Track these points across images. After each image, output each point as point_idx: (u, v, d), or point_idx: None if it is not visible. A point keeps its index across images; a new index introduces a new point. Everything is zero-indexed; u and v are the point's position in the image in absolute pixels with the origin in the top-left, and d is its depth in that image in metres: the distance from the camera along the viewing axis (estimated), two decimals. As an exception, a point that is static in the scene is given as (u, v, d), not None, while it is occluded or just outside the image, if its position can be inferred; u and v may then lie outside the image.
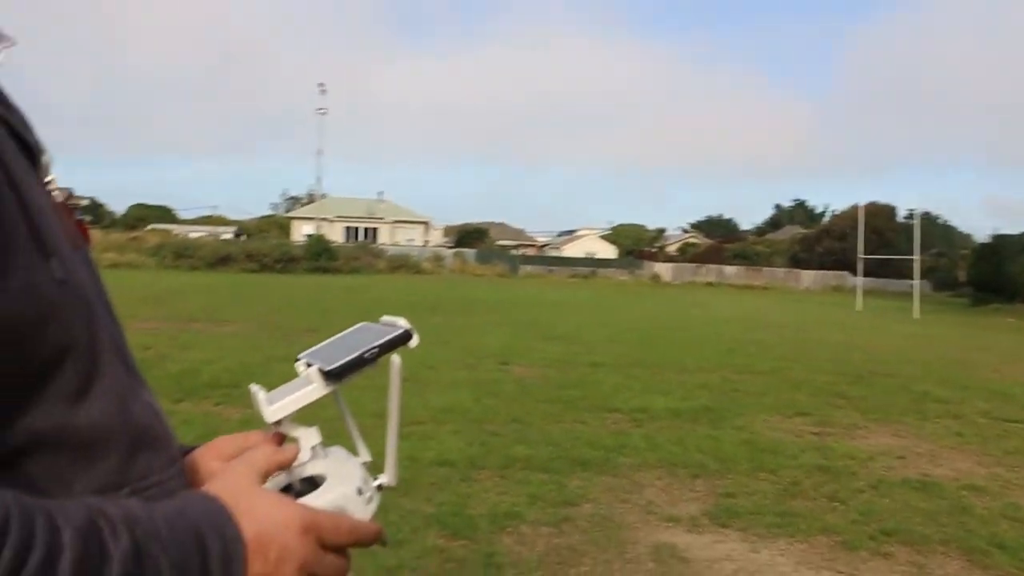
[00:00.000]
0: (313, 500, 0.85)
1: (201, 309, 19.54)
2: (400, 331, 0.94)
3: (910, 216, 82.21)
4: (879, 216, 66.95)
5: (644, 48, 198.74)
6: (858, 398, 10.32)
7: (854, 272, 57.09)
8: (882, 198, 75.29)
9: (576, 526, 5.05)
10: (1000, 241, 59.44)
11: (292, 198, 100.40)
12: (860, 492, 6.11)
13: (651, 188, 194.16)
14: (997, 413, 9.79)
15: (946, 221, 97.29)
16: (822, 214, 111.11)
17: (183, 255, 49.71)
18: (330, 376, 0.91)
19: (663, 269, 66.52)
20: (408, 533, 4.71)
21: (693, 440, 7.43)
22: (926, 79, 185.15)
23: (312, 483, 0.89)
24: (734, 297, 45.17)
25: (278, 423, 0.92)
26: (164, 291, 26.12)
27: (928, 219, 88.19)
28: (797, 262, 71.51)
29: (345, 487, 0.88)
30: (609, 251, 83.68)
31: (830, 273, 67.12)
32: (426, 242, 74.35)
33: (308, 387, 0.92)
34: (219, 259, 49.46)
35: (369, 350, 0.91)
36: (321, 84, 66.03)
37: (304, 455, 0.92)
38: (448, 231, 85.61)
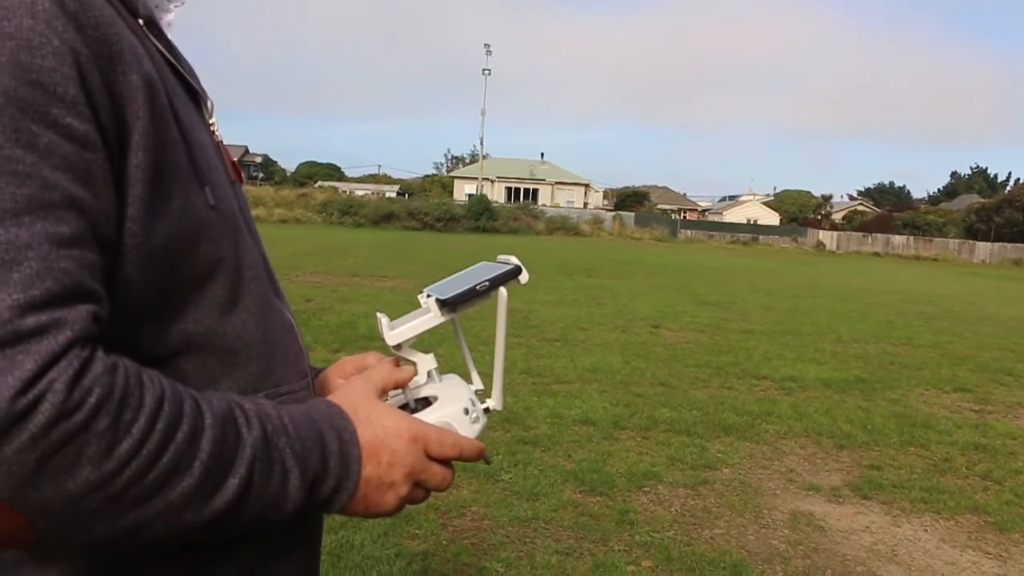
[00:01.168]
0: (424, 416, 0.97)
1: (362, 264, 20.28)
2: (510, 267, 1.04)
3: (1104, 186, 76.44)
4: (1069, 185, 62.40)
5: (817, 7, 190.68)
6: (1027, 376, 9.84)
7: (1037, 245, 53.68)
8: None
9: (713, 489, 5.10)
10: None
11: (455, 158, 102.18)
12: (1018, 473, 5.88)
13: (819, 153, 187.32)
14: None
15: None
16: (1004, 183, 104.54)
17: (348, 212, 51.33)
18: (445, 305, 1.01)
19: (827, 237, 64.27)
20: (546, 487, 4.87)
21: (842, 411, 7.29)
22: None
23: (426, 402, 1.01)
24: (901, 268, 43.29)
25: (398, 347, 1.03)
26: (329, 246, 27.21)
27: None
28: (973, 233, 67.67)
29: (453, 407, 0.99)
30: (772, 218, 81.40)
31: (1009, 246, 63.18)
32: (586, 204, 74.29)
33: (426, 315, 1.03)
34: (382, 216, 50.85)
35: (481, 283, 1.02)
36: (487, 44, 66.27)
37: (420, 378, 1.03)
38: (608, 194, 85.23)
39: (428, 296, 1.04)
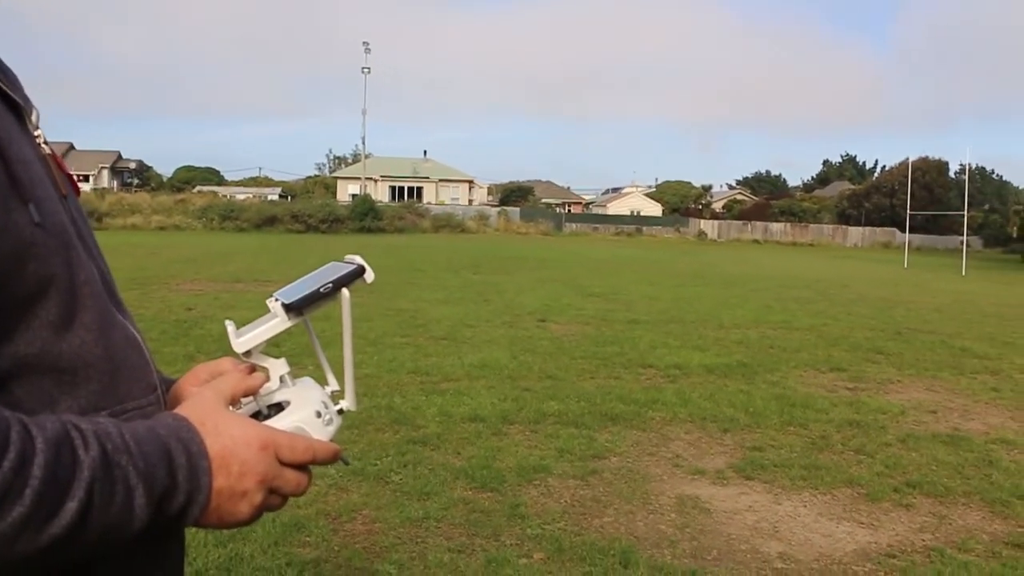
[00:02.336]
0: (275, 423, 0.96)
1: (246, 270, 19.89)
2: (354, 267, 1.04)
3: (962, 171, 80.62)
4: (930, 171, 65.66)
5: (695, 1, 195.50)
6: (895, 354, 10.29)
7: (902, 229, 56.29)
8: (934, 153, 73.68)
9: (602, 478, 5.17)
10: (1055, 196, 58.00)
11: (338, 158, 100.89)
12: (888, 446, 6.16)
13: (699, 145, 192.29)
14: (1037, 369, 9.74)
15: (1000, 176, 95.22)
16: (872, 170, 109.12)
17: (229, 217, 50.31)
18: (291, 309, 1.00)
19: (708, 226, 66.02)
20: (436, 485, 4.86)
21: (725, 395, 7.50)
22: (982, 32, 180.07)
23: (279, 408, 1.00)
24: (779, 254, 44.78)
25: (247, 354, 1.01)
26: (210, 252, 26.58)
27: (982, 174, 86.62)
28: (845, 219, 70.47)
29: (305, 411, 0.98)
30: (655, 209, 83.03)
31: (878, 230, 66.10)
32: (470, 201, 74.41)
33: (274, 320, 1.02)
34: (265, 220, 50.00)
35: (324, 285, 1.01)
36: (366, 43, 65.65)
37: (272, 384, 1.02)
38: (493, 190, 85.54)
39: (275, 300, 1.03)
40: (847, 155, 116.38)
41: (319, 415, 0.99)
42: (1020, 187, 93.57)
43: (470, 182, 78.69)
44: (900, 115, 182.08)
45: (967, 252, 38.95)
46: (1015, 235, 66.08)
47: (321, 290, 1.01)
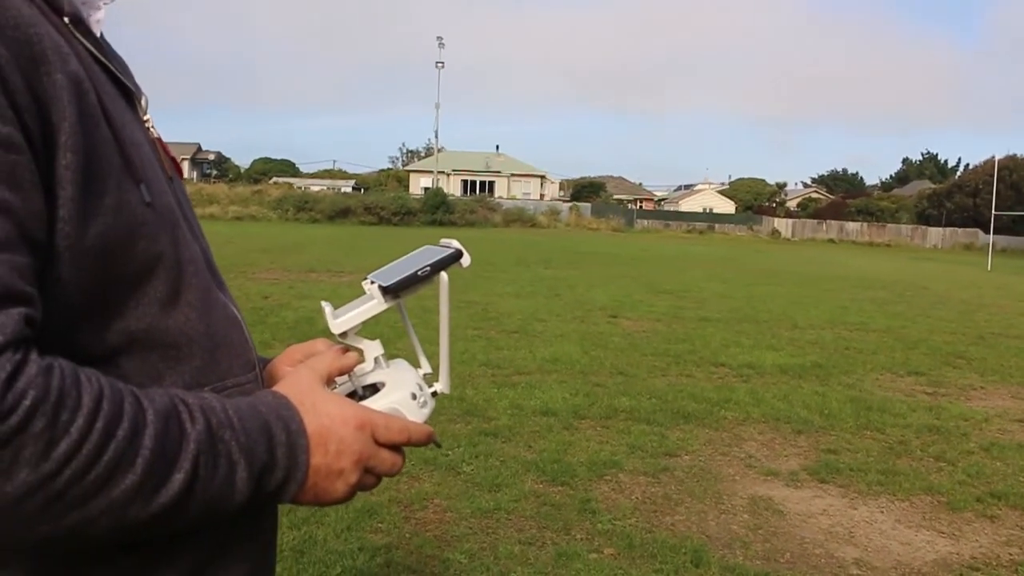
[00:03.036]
0: (371, 403, 0.96)
1: (319, 260, 20.17)
2: (451, 251, 1.03)
3: (1050, 171, 78.06)
4: (1017, 170, 63.61)
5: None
6: (978, 359, 10.01)
7: (986, 229, 54.69)
8: (1022, 151, 71.42)
9: (674, 476, 5.13)
10: None
11: (410, 152, 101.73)
12: (970, 453, 5.98)
13: (773, 141, 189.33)
14: None
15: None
16: (955, 168, 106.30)
17: (304, 208, 51.08)
18: (388, 292, 1.00)
19: (782, 225, 64.98)
20: (507, 478, 4.87)
21: (799, 396, 7.38)
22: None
23: (374, 389, 1.00)
24: (855, 254, 43.88)
25: (343, 335, 1.02)
26: (285, 243, 27.01)
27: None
28: (925, 219, 68.71)
29: (400, 392, 0.99)
30: (727, 206, 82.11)
31: (960, 230, 64.31)
32: (542, 196, 74.39)
33: (370, 302, 1.02)
34: (338, 212, 50.66)
35: (422, 268, 1.01)
36: (439, 37, 65.94)
37: (367, 365, 1.03)
38: (565, 185, 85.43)
39: (372, 283, 1.03)
40: (928, 153, 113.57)
41: (414, 397, 0.99)
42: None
43: (542, 177, 78.63)
44: (984, 112, 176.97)
45: (1053, 255, 37.71)
46: (1105, 238, 63.83)
47: (419, 273, 1.01)
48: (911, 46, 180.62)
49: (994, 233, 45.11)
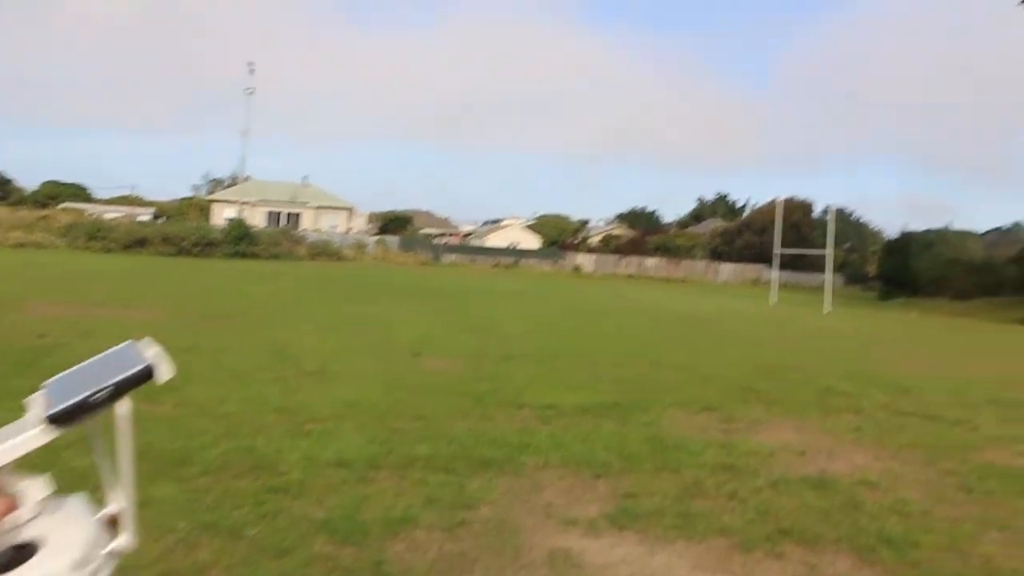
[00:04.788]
0: None
1: (109, 293, 18.97)
2: (140, 368, 0.80)
3: (826, 211, 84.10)
4: (797, 211, 68.22)
5: (578, 38, 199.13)
6: (764, 393, 10.44)
7: (771, 265, 58.16)
8: (801, 194, 76.80)
9: (471, 530, 4.95)
10: (907, 237, 61.26)
11: (215, 180, 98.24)
12: (759, 491, 6.13)
13: (577, 179, 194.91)
14: (895, 407, 10.01)
15: (859, 217, 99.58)
16: (743, 208, 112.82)
17: (96, 237, 48.35)
18: (55, 420, 0.77)
19: (585, 260, 66.88)
20: (295, 540, 4.55)
21: (599, 437, 7.39)
22: (851, 81, 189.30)
23: (26, 551, 0.76)
24: (653, 289, 45.62)
25: None
26: (73, 273, 25.30)
27: (842, 215, 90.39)
28: (717, 255, 72.44)
29: (60, 560, 0.75)
30: (533, 241, 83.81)
31: (748, 266, 68.24)
32: (349, 229, 73.51)
33: (29, 433, 0.78)
34: (134, 241, 48.30)
35: (97, 392, 0.78)
36: (250, 63, 64.28)
37: (25, 512, 0.78)
38: (372, 218, 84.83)
39: (40, 399, 0.79)
40: (720, 194, 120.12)
41: (80, 565, 0.75)
42: (876, 229, 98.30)
43: (349, 209, 77.72)
44: (770, 156, 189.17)
45: (829, 288, 40.45)
46: (873, 273, 69.31)
47: (92, 400, 0.77)
48: (708, 92, 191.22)
49: (777, 269, 47.98)
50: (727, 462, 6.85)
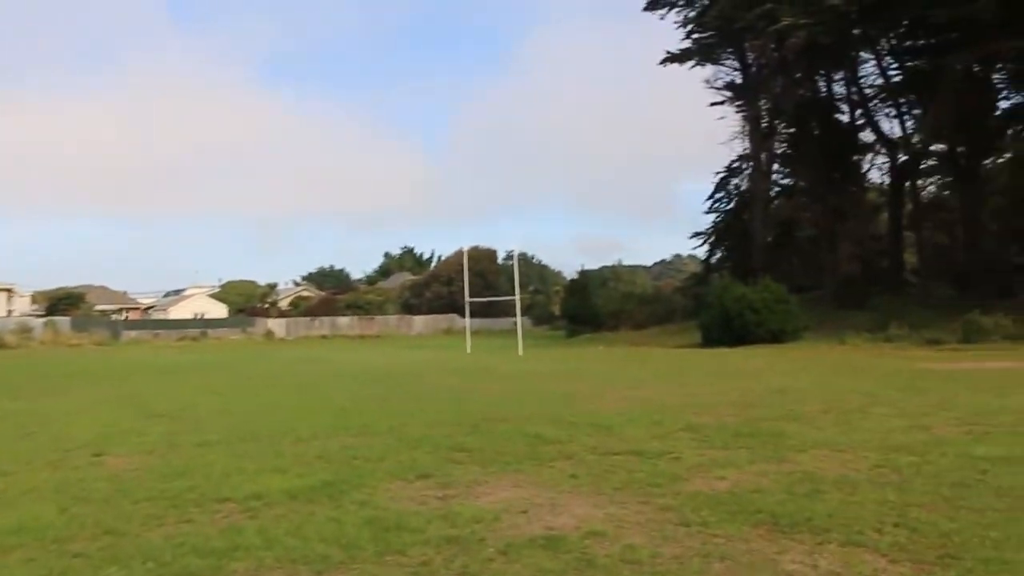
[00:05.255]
0: None
1: None
2: None
3: (509, 258, 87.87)
4: (482, 259, 70.63)
5: (258, 97, 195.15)
6: (477, 450, 10.28)
7: (462, 314, 59.54)
8: (484, 242, 79.59)
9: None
10: (585, 276, 65.33)
11: None
12: (490, 561, 5.85)
13: (261, 242, 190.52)
14: (603, 447, 10.21)
15: (540, 260, 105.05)
16: (429, 260, 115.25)
17: None
18: None
19: (276, 325, 65.19)
20: None
21: (313, 527, 6.81)
22: (523, 136, 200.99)
23: None
24: (349, 349, 45.07)
25: None
26: None
27: (525, 259, 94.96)
28: (409, 308, 73.29)
29: None
30: (220, 310, 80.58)
31: (440, 316, 69.55)
32: (10, 312, 66.89)
33: None
34: None
35: None
36: None
37: None
38: (38, 298, 77.89)
39: None
40: (406, 247, 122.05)
41: None
42: (556, 270, 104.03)
43: (8, 290, 70.77)
44: (451, 209, 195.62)
45: (520, 332, 41.90)
46: (558, 313, 73.01)
47: None
48: (385, 150, 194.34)
49: (469, 318, 49.10)
50: (452, 534, 6.52)
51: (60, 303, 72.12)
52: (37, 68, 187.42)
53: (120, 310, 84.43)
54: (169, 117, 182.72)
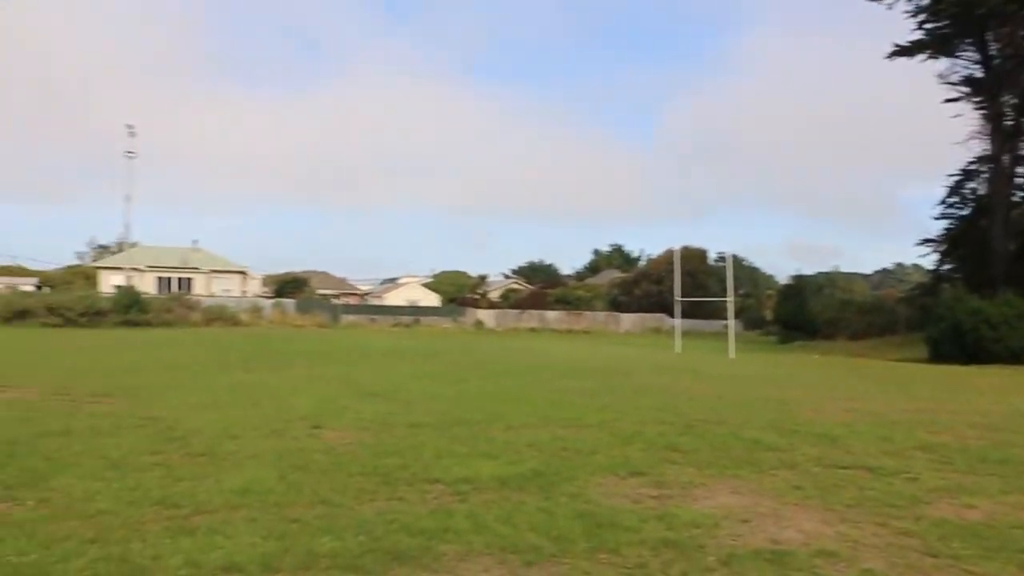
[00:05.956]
0: None
1: (-22, 374, 17.38)
2: None
3: (720, 259, 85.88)
4: (693, 259, 69.23)
5: (470, 95, 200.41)
6: (692, 451, 9.83)
7: (670, 314, 58.59)
8: (692, 242, 78.09)
9: (387, 650, 4.12)
10: (801, 281, 62.66)
11: (100, 247, 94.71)
12: (711, 571, 5.44)
13: (474, 235, 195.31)
14: (828, 459, 9.51)
15: (751, 263, 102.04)
16: (638, 258, 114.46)
17: (-27, 310, 45.87)
18: None
19: (486, 315, 66.37)
20: None
21: (524, 515, 6.61)
22: (736, 135, 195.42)
23: None
24: (557, 342, 45.24)
25: None
26: (-63, 354, 23.44)
27: (736, 262, 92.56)
28: (617, 305, 72.88)
29: None
30: (432, 299, 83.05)
31: (648, 315, 68.72)
32: (244, 292, 71.59)
33: None
34: (16, 313, 45.99)
35: None
36: (130, 125, 62.09)
37: None
38: (267, 280, 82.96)
39: None
40: (615, 245, 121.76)
41: None
42: (769, 274, 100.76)
43: (243, 273, 75.76)
44: (662, 207, 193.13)
45: (732, 334, 40.72)
46: (769, 317, 70.64)
47: None
48: (595, 148, 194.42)
49: (679, 317, 48.18)
50: (669, 537, 6.15)
51: (287, 286, 76.49)
52: (264, 67, 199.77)
53: (340, 295, 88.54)
54: (389, 113, 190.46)
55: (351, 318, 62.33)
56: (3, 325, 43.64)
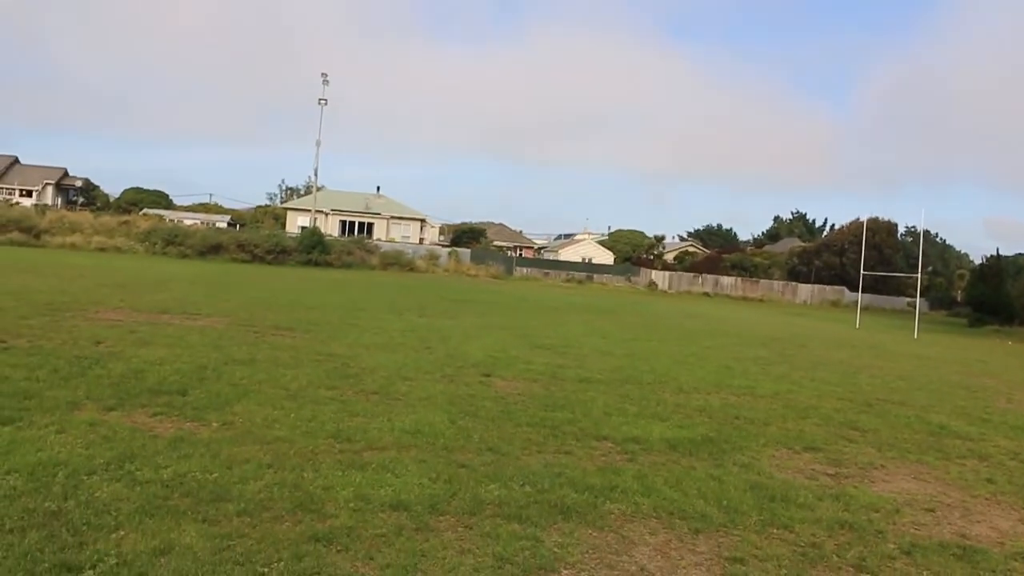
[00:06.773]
0: None
1: (177, 300, 18.52)
2: None
3: (909, 233, 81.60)
4: (880, 231, 65.98)
5: (658, 54, 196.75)
6: (871, 431, 9.36)
7: (851, 287, 56.20)
8: (880, 214, 74.26)
9: (550, 604, 4.06)
10: (998, 262, 58.58)
11: (290, 189, 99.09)
12: (892, 559, 5.12)
13: (652, 195, 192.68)
14: (1025, 454, 8.85)
15: (944, 240, 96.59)
16: (821, 228, 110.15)
17: (173, 242, 48.94)
18: None
19: (659, 277, 65.55)
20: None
21: (693, 481, 6.43)
22: (935, 105, 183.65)
23: None
24: (731, 309, 44.21)
25: None
26: (144, 279, 25.13)
27: (927, 237, 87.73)
28: (795, 275, 70.46)
29: None
30: (606, 257, 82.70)
31: (828, 288, 66.12)
32: (422, 240, 73.34)
33: None
34: (209, 247, 48.73)
35: None
36: (324, 74, 64.20)
37: None
38: (445, 229, 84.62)
39: None
40: (797, 212, 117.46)
41: None
42: (961, 251, 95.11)
43: (422, 220, 77.54)
44: (849, 176, 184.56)
45: (917, 313, 38.66)
46: (959, 299, 66.68)
47: None
48: (783, 112, 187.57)
49: (861, 292, 46.14)
50: (846, 519, 5.84)
51: (463, 236, 77.82)
52: (455, 22, 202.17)
53: (515, 247, 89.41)
54: (574, 71, 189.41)
55: (525, 271, 62.88)
56: (198, 258, 46.35)
